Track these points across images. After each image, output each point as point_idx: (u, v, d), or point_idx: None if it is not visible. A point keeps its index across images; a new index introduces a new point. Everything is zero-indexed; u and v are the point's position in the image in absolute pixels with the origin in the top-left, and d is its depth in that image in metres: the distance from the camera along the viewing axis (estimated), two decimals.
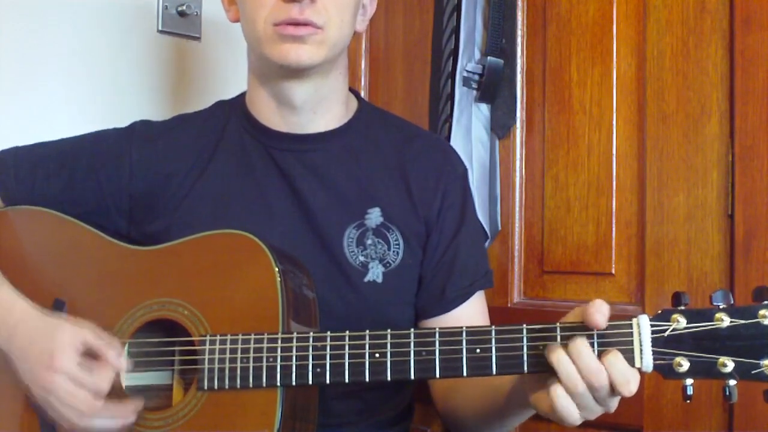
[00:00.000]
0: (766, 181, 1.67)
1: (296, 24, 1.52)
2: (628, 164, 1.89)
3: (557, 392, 1.21)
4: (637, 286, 1.86)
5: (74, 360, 1.38)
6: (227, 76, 2.41)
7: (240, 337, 1.39)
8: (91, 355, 1.40)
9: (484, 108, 2.11)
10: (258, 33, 1.55)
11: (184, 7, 2.32)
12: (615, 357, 1.18)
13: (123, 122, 1.75)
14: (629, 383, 1.17)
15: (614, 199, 1.90)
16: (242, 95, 1.74)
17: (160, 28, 2.30)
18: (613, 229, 1.90)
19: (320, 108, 1.65)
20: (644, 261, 1.84)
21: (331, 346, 1.34)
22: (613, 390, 1.18)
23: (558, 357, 1.21)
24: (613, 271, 1.90)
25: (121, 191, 1.66)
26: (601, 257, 1.92)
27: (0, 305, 1.47)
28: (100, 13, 2.19)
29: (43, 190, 1.66)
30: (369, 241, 1.60)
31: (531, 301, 2.05)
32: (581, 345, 1.20)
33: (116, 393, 1.42)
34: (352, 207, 1.62)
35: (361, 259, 1.59)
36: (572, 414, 1.21)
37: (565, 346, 1.21)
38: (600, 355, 1.19)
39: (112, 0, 2.21)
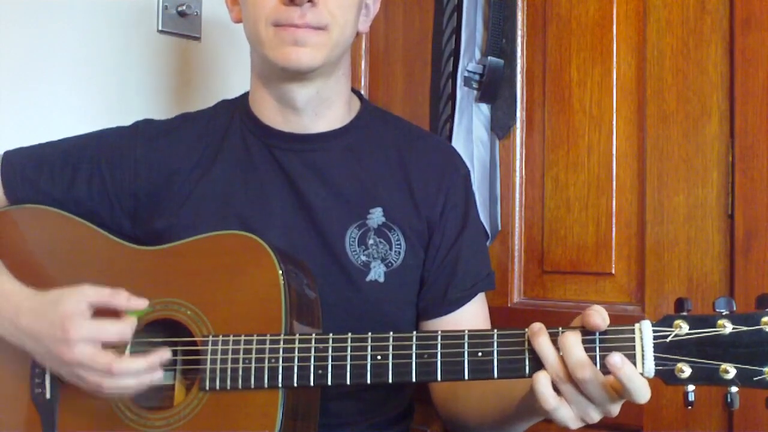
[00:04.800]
0: (766, 181, 1.67)
1: (296, 26, 1.52)
2: (628, 164, 1.89)
3: (539, 377, 1.21)
4: (637, 286, 1.86)
5: (86, 324, 1.38)
6: (227, 76, 2.41)
7: (242, 338, 1.39)
8: (102, 311, 1.40)
9: (485, 108, 2.11)
10: (260, 35, 1.55)
11: (184, 7, 2.31)
12: (624, 362, 1.17)
13: (123, 122, 1.75)
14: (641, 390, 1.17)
15: (614, 199, 1.90)
16: (245, 95, 1.74)
17: (160, 28, 2.29)
18: (613, 229, 1.90)
19: (323, 109, 1.65)
20: (644, 261, 1.84)
21: (333, 347, 1.35)
22: (618, 393, 1.19)
23: (539, 341, 1.22)
24: (613, 271, 1.90)
25: (125, 189, 1.67)
26: (601, 257, 1.92)
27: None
28: (100, 14, 2.19)
29: (47, 189, 1.66)
30: (371, 241, 1.61)
31: (531, 301, 2.05)
32: (570, 337, 1.20)
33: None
34: (354, 207, 1.62)
35: (363, 258, 1.60)
36: (558, 408, 1.21)
37: (555, 341, 1.22)
38: (604, 359, 1.18)
39: (112, 0, 2.20)
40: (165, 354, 1.40)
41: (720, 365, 1.14)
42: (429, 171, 1.67)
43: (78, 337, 1.36)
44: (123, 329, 1.38)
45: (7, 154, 1.72)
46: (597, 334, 1.21)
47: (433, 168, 1.68)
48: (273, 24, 1.53)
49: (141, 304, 1.42)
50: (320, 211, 1.62)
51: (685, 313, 1.18)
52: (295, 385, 1.36)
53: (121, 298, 1.41)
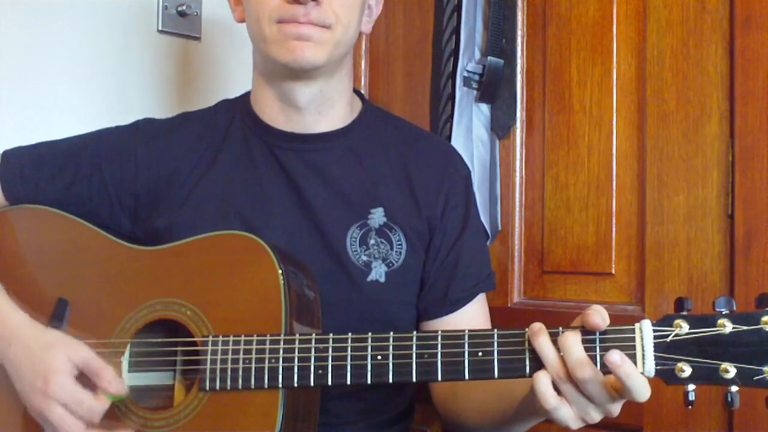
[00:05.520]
0: (766, 181, 1.67)
1: (300, 23, 1.52)
2: (628, 164, 1.89)
3: (539, 377, 1.21)
4: (637, 286, 1.86)
5: (68, 387, 1.38)
6: (227, 76, 2.41)
7: (242, 338, 1.39)
8: (85, 377, 1.40)
9: (485, 108, 2.11)
10: (264, 33, 1.56)
11: (184, 7, 2.32)
12: (623, 360, 1.17)
13: (123, 122, 1.75)
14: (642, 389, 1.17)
15: (614, 199, 1.90)
16: (246, 94, 1.74)
17: (160, 28, 2.30)
18: (613, 229, 1.90)
19: (325, 108, 1.65)
20: (644, 261, 1.84)
21: (333, 347, 1.35)
22: (618, 393, 1.19)
23: (539, 341, 1.22)
24: (613, 271, 1.90)
25: (125, 189, 1.67)
26: (601, 257, 1.92)
27: None
28: (100, 14, 2.19)
29: (47, 189, 1.66)
30: (372, 241, 1.61)
31: (531, 301, 2.05)
32: (570, 337, 1.20)
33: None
34: (355, 207, 1.63)
35: (364, 258, 1.60)
36: (558, 408, 1.21)
37: (555, 341, 1.22)
38: (604, 357, 1.18)
39: (112, 0, 2.21)
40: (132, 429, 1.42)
41: (720, 365, 1.14)
42: (430, 171, 1.68)
43: (55, 396, 1.37)
44: (94, 409, 1.38)
45: (6, 153, 1.72)
46: (597, 333, 1.21)
47: (434, 168, 1.68)
48: (277, 21, 1.54)
49: (120, 389, 1.41)
50: (321, 211, 1.62)
51: (685, 313, 1.18)
52: (296, 385, 1.35)
53: (104, 377, 1.39)
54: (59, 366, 1.39)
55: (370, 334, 1.34)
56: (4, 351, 1.45)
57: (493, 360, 1.26)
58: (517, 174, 2.08)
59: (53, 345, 1.41)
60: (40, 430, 1.45)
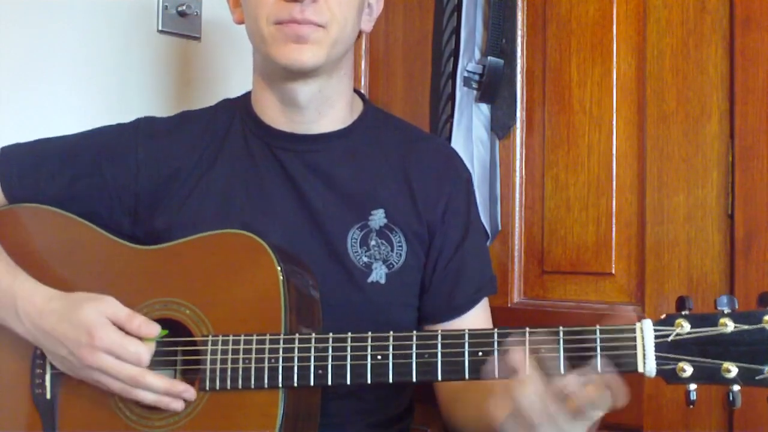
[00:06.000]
0: (766, 181, 1.67)
1: (298, 23, 1.52)
2: (628, 164, 1.89)
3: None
4: (637, 286, 1.86)
5: (113, 335, 1.39)
6: (227, 77, 2.40)
7: (242, 337, 1.39)
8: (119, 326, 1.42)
9: (485, 108, 2.11)
10: (262, 33, 1.55)
11: (184, 7, 2.31)
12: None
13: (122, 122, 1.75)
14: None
15: (614, 199, 1.90)
16: (247, 94, 1.74)
17: (160, 28, 2.29)
18: (613, 229, 1.90)
19: (324, 109, 1.65)
20: (644, 261, 1.84)
21: (333, 347, 1.35)
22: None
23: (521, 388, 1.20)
24: (613, 271, 1.90)
25: (127, 189, 1.66)
26: (601, 257, 1.92)
27: (20, 296, 1.49)
28: (100, 14, 2.18)
29: (47, 189, 1.66)
30: (373, 242, 1.60)
31: (531, 301, 2.05)
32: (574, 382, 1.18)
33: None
34: (356, 208, 1.62)
35: (365, 259, 1.59)
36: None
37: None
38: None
39: (112, 0, 2.20)
40: (190, 392, 1.41)
41: (722, 364, 1.14)
42: (430, 173, 1.67)
43: (103, 345, 1.39)
44: (140, 353, 1.40)
45: (4, 150, 1.71)
46: (597, 333, 1.21)
47: (434, 170, 1.68)
48: (274, 22, 1.54)
49: (151, 331, 1.42)
50: (322, 212, 1.61)
51: (686, 312, 1.18)
52: (296, 385, 1.36)
53: (133, 322, 1.41)
54: (95, 318, 1.40)
55: (369, 333, 1.34)
56: (36, 324, 1.46)
57: (494, 360, 1.26)
58: (517, 174, 2.08)
59: (82, 302, 1.43)
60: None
